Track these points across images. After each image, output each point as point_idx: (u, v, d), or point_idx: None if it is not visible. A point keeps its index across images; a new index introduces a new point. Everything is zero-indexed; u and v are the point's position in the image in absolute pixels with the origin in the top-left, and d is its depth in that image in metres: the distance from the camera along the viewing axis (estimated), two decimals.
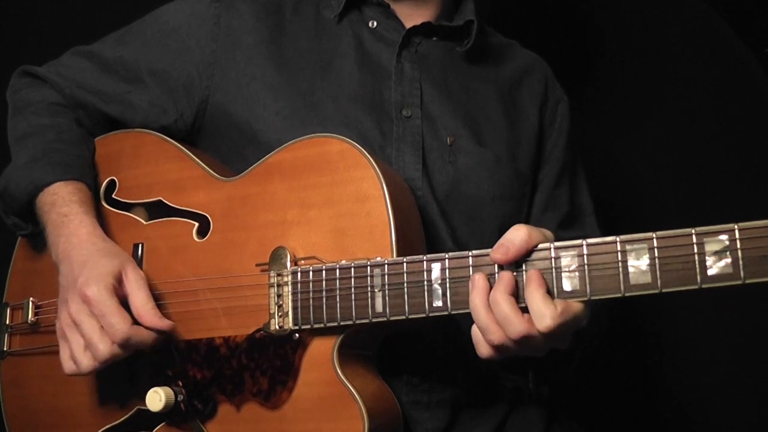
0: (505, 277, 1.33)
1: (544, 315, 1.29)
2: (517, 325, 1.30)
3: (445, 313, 1.38)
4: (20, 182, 1.69)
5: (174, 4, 1.84)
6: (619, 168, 2.58)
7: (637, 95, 2.59)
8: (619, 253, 1.28)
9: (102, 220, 1.71)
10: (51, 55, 1.91)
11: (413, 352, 1.62)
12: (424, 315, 1.39)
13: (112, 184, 1.76)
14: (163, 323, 1.52)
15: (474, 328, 1.37)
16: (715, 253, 1.23)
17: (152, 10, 1.86)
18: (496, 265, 1.35)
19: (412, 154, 1.70)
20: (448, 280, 1.38)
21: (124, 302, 1.52)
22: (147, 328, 1.51)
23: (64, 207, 1.64)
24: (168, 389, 1.56)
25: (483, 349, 1.37)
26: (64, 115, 1.81)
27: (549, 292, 1.32)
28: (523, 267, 1.34)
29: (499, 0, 2.58)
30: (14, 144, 1.78)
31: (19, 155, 1.74)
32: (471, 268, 1.37)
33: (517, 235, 1.33)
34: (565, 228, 1.89)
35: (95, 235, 1.62)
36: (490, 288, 1.34)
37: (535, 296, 1.30)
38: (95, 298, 1.48)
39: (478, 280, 1.34)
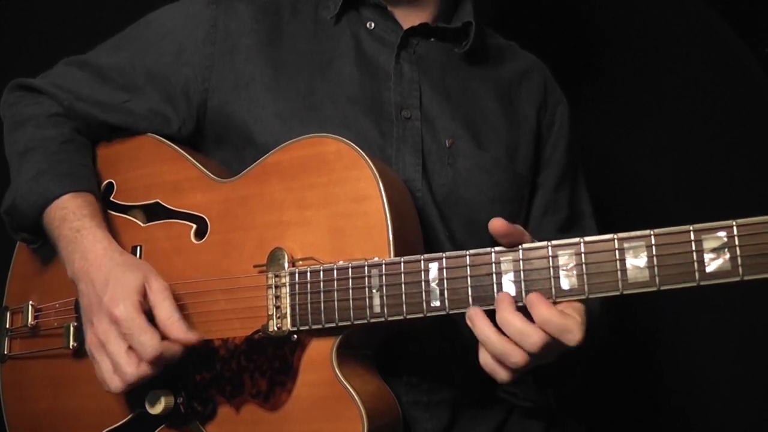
0: (505, 297, 1.33)
1: (571, 330, 1.29)
2: (534, 336, 1.30)
3: (443, 312, 1.38)
4: (28, 197, 1.67)
5: (169, 8, 1.83)
6: (619, 168, 2.58)
7: (637, 95, 2.59)
8: (617, 251, 1.28)
9: None
10: (42, 65, 1.88)
11: (412, 352, 1.62)
12: (422, 315, 1.39)
13: (109, 187, 1.76)
14: (190, 336, 1.48)
15: (486, 361, 1.37)
16: (714, 250, 1.23)
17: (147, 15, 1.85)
18: (494, 264, 1.35)
19: (412, 155, 1.70)
20: (445, 280, 1.38)
21: (149, 314, 1.50)
22: (174, 340, 1.48)
23: (75, 221, 1.62)
24: (167, 391, 1.56)
25: (503, 375, 1.37)
26: (66, 126, 1.78)
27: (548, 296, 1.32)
28: (521, 266, 1.34)
29: (499, 0, 2.58)
30: (17, 159, 1.74)
31: (24, 169, 1.71)
32: (468, 267, 1.37)
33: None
34: (564, 231, 1.88)
35: (111, 249, 1.59)
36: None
37: (552, 317, 1.30)
38: (123, 317, 1.45)
39: (476, 312, 1.35)
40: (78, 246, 1.59)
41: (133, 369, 1.45)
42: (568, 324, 1.29)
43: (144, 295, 1.50)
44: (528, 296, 1.32)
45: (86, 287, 1.54)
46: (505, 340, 1.32)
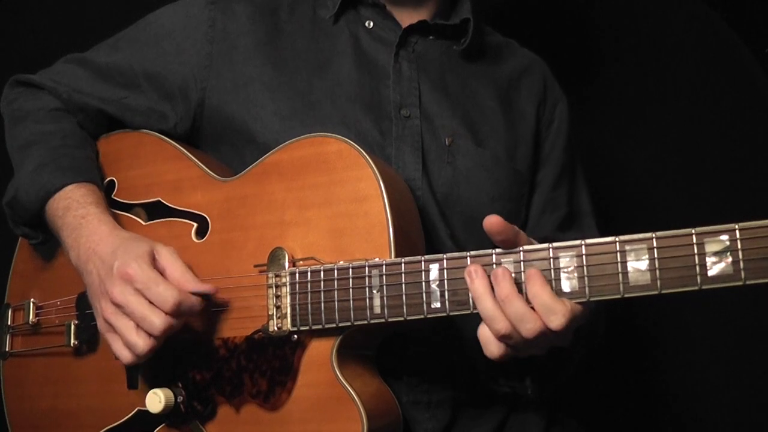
0: (506, 273, 1.31)
1: (556, 312, 1.28)
2: (533, 323, 1.29)
3: (444, 314, 1.37)
4: (30, 189, 1.66)
5: (168, 8, 1.83)
6: (619, 168, 2.58)
7: (637, 95, 2.59)
8: (618, 254, 1.28)
9: None
10: (42, 64, 1.88)
11: (412, 353, 1.62)
12: (422, 316, 1.39)
13: (111, 185, 1.76)
14: (205, 286, 1.49)
15: (481, 329, 1.35)
16: (716, 253, 1.22)
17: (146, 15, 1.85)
18: (494, 264, 1.35)
19: (412, 154, 1.70)
20: (446, 281, 1.37)
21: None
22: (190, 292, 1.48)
23: (80, 209, 1.62)
24: (167, 390, 1.56)
25: (493, 348, 1.35)
26: (66, 120, 1.79)
27: None
28: (522, 267, 1.34)
29: None
30: (18, 153, 1.75)
31: (25, 163, 1.71)
32: None
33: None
34: (564, 230, 1.88)
35: (117, 229, 1.60)
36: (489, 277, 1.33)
37: (542, 294, 1.29)
38: (138, 273, 1.45)
39: (476, 269, 1.33)
40: (83, 231, 1.59)
41: (159, 319, 1.44)
42: (556, 306, 1.28)
43: (154, 259, 1.50)
44: (530, 270, 1.31)
45: (93, 266, 1.54)
46: (496, 305, 1.31)
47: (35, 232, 1.74)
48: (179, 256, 1.57)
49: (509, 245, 1.35)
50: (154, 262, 1.50)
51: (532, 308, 1.30)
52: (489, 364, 1.53)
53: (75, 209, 1.62)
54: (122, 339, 1.48)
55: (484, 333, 1.35)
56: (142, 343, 1.46)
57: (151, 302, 1.45)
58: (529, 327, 1.29)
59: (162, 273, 1.49)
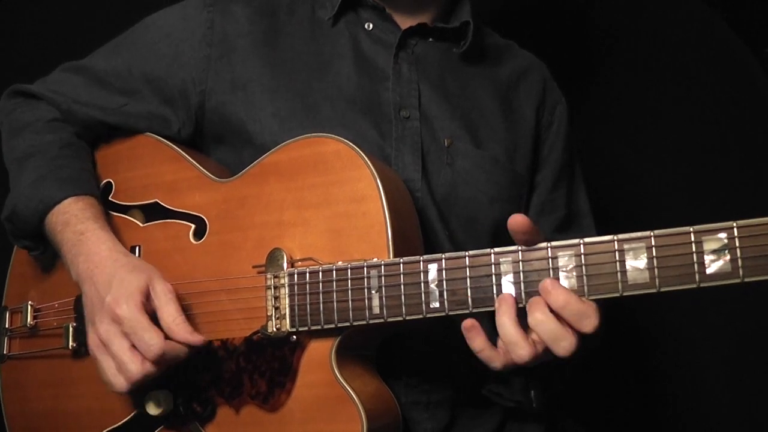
0: (506, 299, 1.34)
1: (589, 315, 1.30)
2: (525, 349, 1.33)
3: (443, 314, 1.38)
4: (29, 203, 1.66)
5: (165, 11, 1.82)
6: (618, 168, 2.58)
7: (636, 95, 2.59)
8: (616, 253, 1.28)
9: None
10: (39, 72, 1.87)
11: (412, 353, 1.62)
12: (421, 316, 1.39)
13: (108, 187, 1.76)
14: (195, 338, 1.48)
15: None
16: (714, 251, 1.22)
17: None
18: (492, 264, 1.35)
19: (412, 155, 1.70)
20: (445, 281, 1.37)
21: (153, 317, 1.49)
22: (179, 342, 1.48)
23: (79, 225, 1.61)
24: (167, 392, 1.56)
25: (497, 363, 1.38)
26: (65, 131, 1.78)
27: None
28: (521, 267, 1.34)
29: (499, 0, 2.58)
30: (16, 165, 1.74)
31: (23, 176, 1.70)
32: (468, 268, 1.37)
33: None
34: (562, 231, 1.88)
35: (116, 251, 1.59)
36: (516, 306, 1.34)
37: (570, 298, 1.30)
38: (126, 316, 1.45)
39: (505, 298, 1.34)
40: (82, 248, 1.59)
41: (137, 367, 1.44)
42: (587, 309, 1.29)
43: (147, 297, 1.50)
44: (543, 283, 1.31)
45: (89, 289, 1.54)
46: (520, 332, 1.33)
47: (36, 244, 1.73)
48: (178, 256, 1.57)
49: (531, 244, 1.35)
50: (147, 300, 1.49)
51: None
52: (493, 380, 1.54)
53: (74, 224, 1.62)
54: (102, 373, 1.49)
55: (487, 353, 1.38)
56: (119, 384, 1.47)
57: (134, 346, 1.46)
58: (564, 345, 1.31)
59: (153, 312, 1.49)
